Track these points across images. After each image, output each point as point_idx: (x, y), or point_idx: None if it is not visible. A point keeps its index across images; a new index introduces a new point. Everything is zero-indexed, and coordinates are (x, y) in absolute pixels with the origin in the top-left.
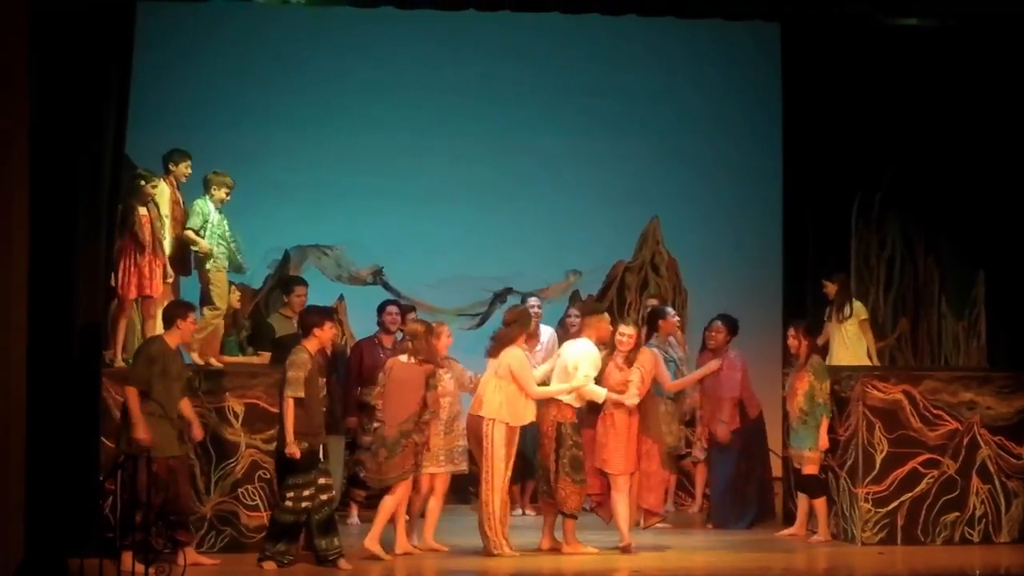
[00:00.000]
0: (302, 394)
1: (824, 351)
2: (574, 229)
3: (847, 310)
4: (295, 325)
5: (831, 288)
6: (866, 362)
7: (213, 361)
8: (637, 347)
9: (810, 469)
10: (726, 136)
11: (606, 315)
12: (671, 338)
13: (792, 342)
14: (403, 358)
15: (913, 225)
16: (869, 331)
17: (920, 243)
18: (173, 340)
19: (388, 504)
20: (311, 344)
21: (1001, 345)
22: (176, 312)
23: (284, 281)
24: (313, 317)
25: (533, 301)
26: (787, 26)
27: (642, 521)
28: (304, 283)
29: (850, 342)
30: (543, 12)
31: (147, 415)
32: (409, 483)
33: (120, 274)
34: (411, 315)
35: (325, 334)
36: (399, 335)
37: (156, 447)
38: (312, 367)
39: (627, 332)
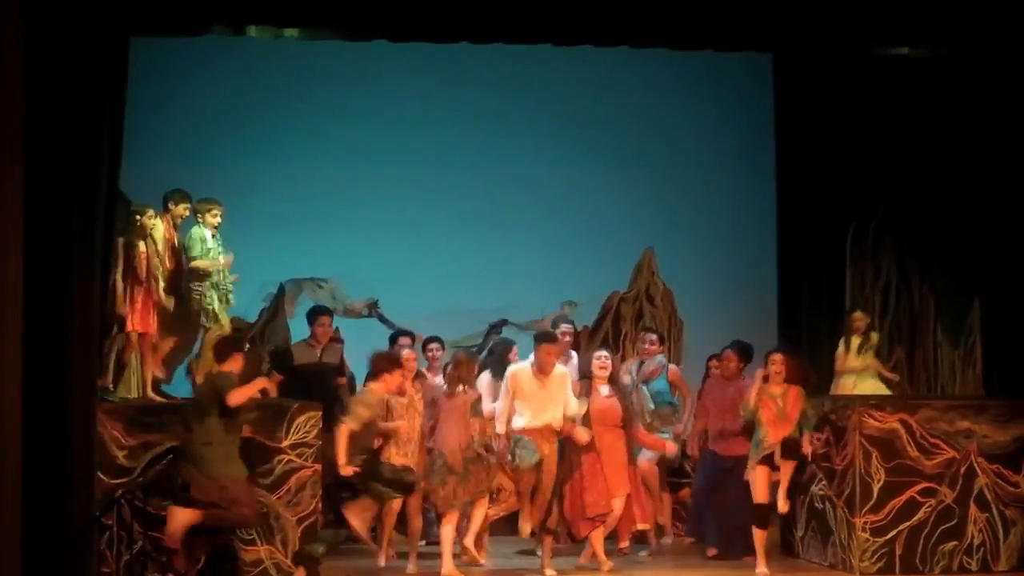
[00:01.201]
0: (357, 428)
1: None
2: (569, 260)
3: (870, 339)
4: (317, 355)
5: (863, 321)
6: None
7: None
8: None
9: (765, 497)
10: (720, 167)
11: (550, 347)
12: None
13: (780, 367)
14: (446, 388)
15: (908, 253)
16: (875, 360)
17: (915, 271)
18: (379, 390)
19: (478, 514)
20: (379, 387)
21: (997, 373)
22: (383, 366)
23: (309, 311)
24: (385, 362)
25: (565, 327)
26: (780, 57)
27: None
28: (329, 312)
29: (868, 372)
30: (536, 44)
31: None
32: (487, 497)
33: (119, 312)
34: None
35: (393, 380)
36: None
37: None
38: (378, 412)
39: (603, 354)
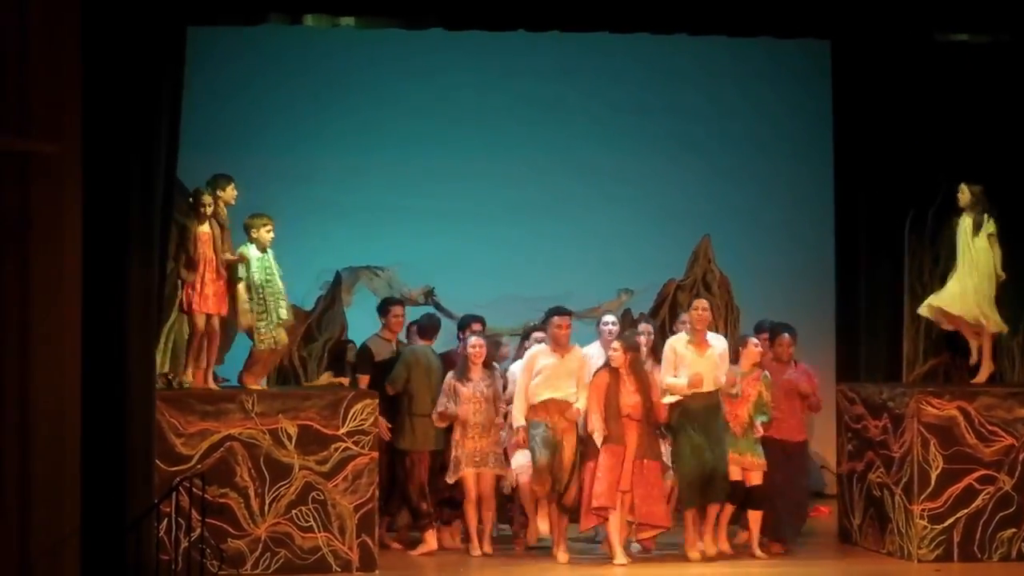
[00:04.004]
0: None
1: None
2: (625, 248)
3: (981, 221)
4: (393, 348)
5: (968, 195)
6: (989, 285)
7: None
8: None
9: (760, 479)
10: (777, 154)
11: (560, 319)
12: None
13: (759, 349)
14: None
15: None
16: (996, 246)
17: None
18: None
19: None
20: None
21: None
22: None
23: (380, 303)
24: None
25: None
26: (838, 43)
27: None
28: (401, 302)
29: (979, 260)
30: (593, 31)
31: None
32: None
33: (184, 295)
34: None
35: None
36: None
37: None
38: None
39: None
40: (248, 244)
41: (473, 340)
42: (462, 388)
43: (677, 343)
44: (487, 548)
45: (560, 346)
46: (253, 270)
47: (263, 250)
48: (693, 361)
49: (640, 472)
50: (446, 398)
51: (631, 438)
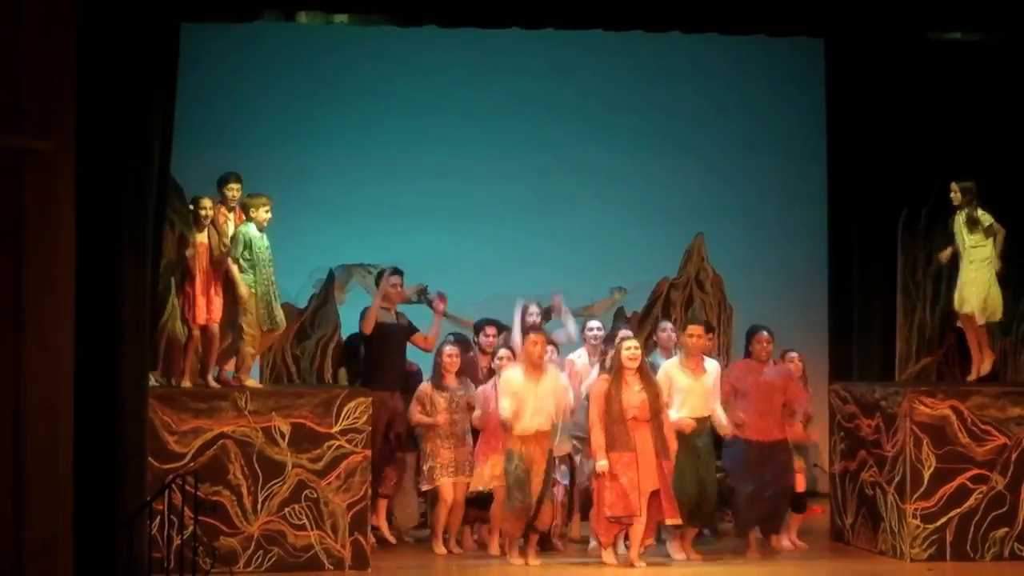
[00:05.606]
0: None
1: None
2: (619, 246)
3: (975, 216)
4: (394, 315)
5: (959, 194)
6: (989, 273)
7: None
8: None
9: None
10: (771, 152)
11: (536, 336)
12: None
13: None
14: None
15: None
16: (1001, 233)
17: None
18: None
19: None
20: None
21: None
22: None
23: (377, 273)
24: None
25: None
26: (832, 42)
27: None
28: (399, 272)
29: (977, 254)
30: (587, 29)
31: None
32: None
33: (182, 302)
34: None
35: None
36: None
37: None
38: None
39: (633, 344)
40: (247, 223)
41: (448, 348)
42: (438, 398)
43: (671, 368)
44: (457, 549)
45: (534, 367)
46: (255, 249)
47: (261, 230)
48: (687, 386)
49: (661, 471)
50: (420, 406)
51: (643, 439)
